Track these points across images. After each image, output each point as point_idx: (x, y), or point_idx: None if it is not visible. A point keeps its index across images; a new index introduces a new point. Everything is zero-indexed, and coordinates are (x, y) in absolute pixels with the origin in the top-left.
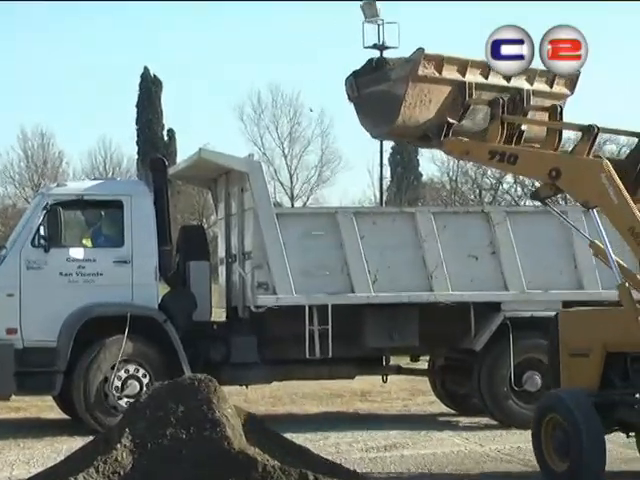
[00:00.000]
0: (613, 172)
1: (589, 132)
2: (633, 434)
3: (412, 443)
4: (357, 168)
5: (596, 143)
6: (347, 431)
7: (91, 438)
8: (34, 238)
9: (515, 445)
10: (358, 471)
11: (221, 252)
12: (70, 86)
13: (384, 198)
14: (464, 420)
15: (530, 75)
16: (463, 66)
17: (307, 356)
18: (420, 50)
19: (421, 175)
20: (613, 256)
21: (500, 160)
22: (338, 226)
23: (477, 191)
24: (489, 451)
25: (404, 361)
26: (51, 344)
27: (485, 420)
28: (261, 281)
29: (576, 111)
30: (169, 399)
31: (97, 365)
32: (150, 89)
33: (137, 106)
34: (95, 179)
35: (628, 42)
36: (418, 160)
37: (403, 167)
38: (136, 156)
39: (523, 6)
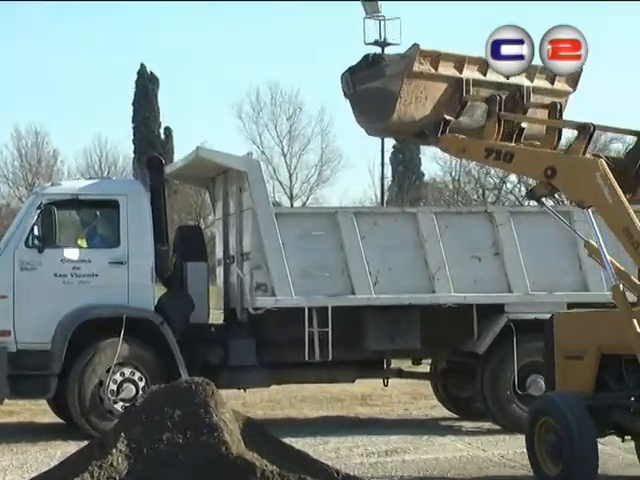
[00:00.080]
0: (608, 172)
1: (585, 130)
2: (630, 438)
3: (413, 448)
4: (358, 167)
5: (601, 142)
6: (347, 436)
7: (86, 443)
8: (28, 238)
9: (519, 450)
10: (358, 476)
11: (219, 253)
12: (66, 84)
13: (385, 198)
14: (467, 424)
15: (530, 72)
16: (460, 62)
17: (306, 359)
18: (415, 46)
19: (423, 174)
20: (608, 257)
21: (496, 158)
22: (338, 226)
23: (480, 191)
24: (492, 456)
25: (405, 364)
26: (45, 347)
27: (488, 425)
28: (260, 282)
29: (576, 111)
30: (166, 403)
31: (92, 368)
32: (147, 86)
33: (133, 104)
34: (90, 178)
35: (628, 42)
36: (420, 159)
37: (405, 166)
38: (132, 155)
39: (523, 6)
